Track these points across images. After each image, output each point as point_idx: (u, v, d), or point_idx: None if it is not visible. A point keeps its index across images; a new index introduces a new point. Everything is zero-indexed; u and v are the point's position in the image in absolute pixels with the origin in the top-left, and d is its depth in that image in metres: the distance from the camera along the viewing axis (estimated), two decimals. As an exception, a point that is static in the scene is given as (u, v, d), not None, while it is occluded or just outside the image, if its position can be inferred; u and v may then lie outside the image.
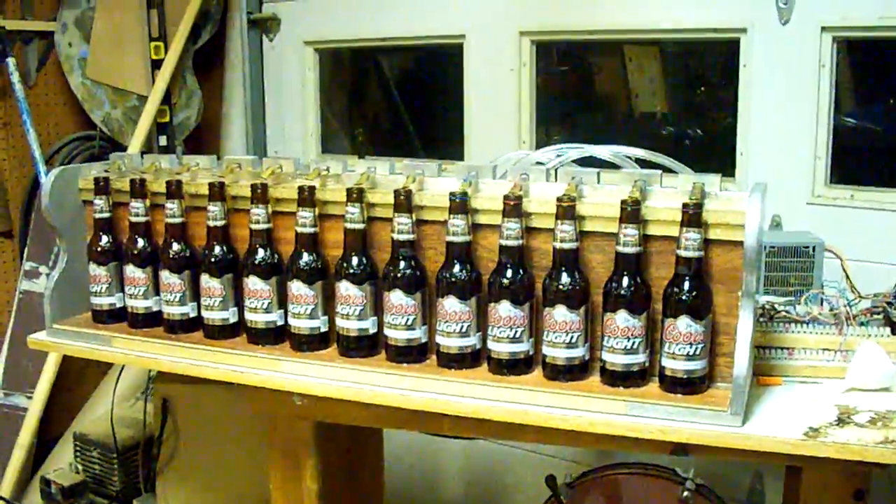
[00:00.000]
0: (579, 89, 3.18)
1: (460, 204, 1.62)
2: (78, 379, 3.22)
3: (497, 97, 2.91)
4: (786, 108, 2.41)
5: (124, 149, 3.21)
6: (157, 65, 3.32)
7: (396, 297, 1.67)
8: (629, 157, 1.80)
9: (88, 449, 2.78)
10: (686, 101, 2.98)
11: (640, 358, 1.56)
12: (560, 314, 1.57)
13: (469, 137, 3.01)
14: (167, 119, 3.37)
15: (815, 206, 2.40)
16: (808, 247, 2.00)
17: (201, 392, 2.39)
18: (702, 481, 2.15)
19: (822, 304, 1.79)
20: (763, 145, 2.47)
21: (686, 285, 1.52)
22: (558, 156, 1.80)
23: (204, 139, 3.62)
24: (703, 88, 2.87)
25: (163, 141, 3.37)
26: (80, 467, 2.79)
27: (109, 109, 3.31)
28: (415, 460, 3.18)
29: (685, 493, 2.08)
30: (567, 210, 1.55)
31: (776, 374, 1.69)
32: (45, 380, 2.98)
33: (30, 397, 3.01)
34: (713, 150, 2.77)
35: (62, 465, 2.86)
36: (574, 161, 1.82)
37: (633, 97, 3.08)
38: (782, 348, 1.71)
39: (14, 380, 3.08)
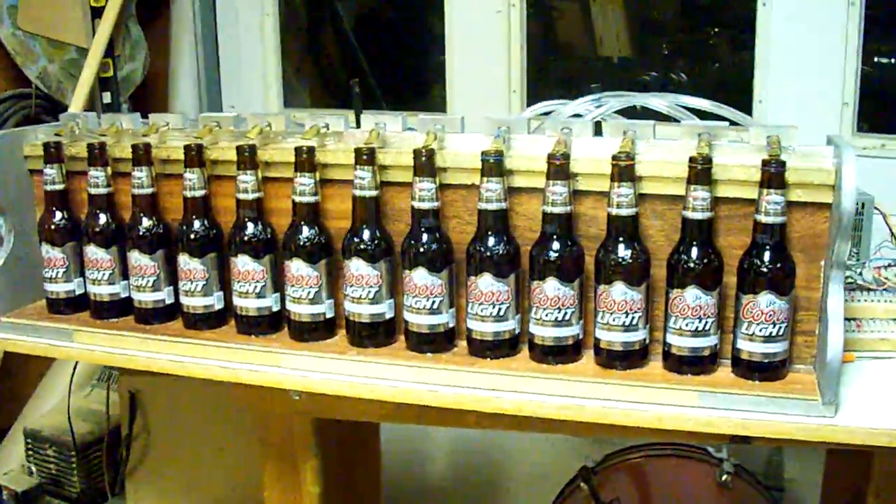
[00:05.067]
0: (572, 35, 2.94)
1: (495, 165, 1.37)
2: (22, 365, 2.91)
3: (482, 43, 2.65)
4: (809, 51, 2.23)
5: (64, 108, 2.89)
6: (97, 13, 2.98)
7: (420, 276, 1.42)
8: (685, 108, 1.57)
9: (42, 447, 2.48)
10: (696, 44, 2.74)
11: (712, 340, 1.34)
12: (619, 292, 1.34)
13: (452, 86, 2.75)
14: (111, 73, 3.04)
15: (843, 157, 2.21)
16: (857, 203, 1.80)
17: (174, 384, 2.12)
18: (738, 461, 1.97)
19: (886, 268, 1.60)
20: (784, 91, 2.28)
21: (767, 256, 1.30)
22: (598, 107, 1.55)
23: (150, 95, 3.29)
24: (716, 30, 2.64)
25: (107, 98, 3.04)
26: (33, 468, 2.49)
27: (45, 64, 2.97)
28: (405, 448, 2.95)
29: (724, 477, 1.90)
30: (625, 170, 1.32)
31: (847, 349, 1.49)
32: (-16, 368, 2.67)
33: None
34: (728, 98, 2.56)
35: (13, 467, 2.56)
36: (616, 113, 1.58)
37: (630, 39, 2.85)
38: (849, 319, 1.51)
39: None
